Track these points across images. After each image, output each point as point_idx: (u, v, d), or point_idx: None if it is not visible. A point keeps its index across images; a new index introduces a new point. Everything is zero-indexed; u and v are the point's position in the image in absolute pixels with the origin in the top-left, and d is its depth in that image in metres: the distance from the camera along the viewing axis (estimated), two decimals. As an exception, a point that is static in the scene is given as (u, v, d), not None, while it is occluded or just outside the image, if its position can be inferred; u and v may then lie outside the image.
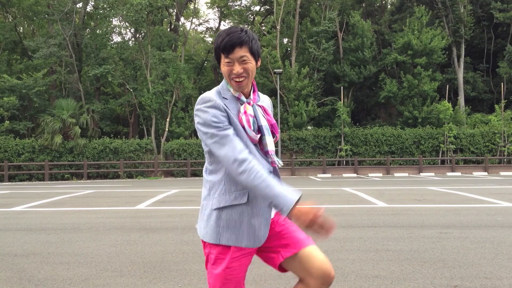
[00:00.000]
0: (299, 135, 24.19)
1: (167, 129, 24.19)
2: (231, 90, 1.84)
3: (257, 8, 34.69)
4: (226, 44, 1.76)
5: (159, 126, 24.96)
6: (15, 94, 22.93)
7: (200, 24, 41.05)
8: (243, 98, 1.83)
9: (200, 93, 35.63)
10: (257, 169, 1.68)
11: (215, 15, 45.93)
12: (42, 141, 21.86)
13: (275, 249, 1.88)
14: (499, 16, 28.85)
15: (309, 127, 25.98)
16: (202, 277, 3.94)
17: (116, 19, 27.91)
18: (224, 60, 1.79)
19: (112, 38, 30.31)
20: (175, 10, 29.57)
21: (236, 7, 34.36)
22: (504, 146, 24.05)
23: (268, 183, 1.67)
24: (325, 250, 4.89)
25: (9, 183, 20.40)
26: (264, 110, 1.88)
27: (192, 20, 31.76)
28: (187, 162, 22.38)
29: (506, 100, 25.95)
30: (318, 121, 27.33)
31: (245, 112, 1.79)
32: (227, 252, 1.79)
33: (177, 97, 24.92)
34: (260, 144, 1.82)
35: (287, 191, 1.67)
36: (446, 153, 24.17)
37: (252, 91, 1.88)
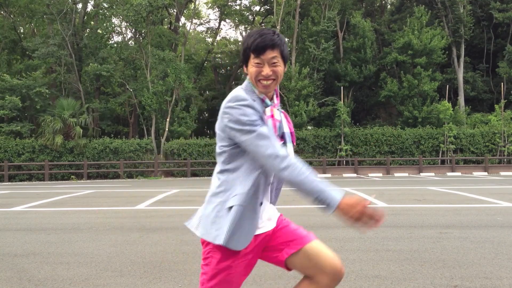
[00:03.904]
0: (299, 135, 24.17)
1: (167, 129, 24.18)
2: (256, 91, 1.81)
3: (257, 8, 34.71)
4: (258, 45, 1.74)
5: (159, 126, 24.96)
6: (15, 94, 22.93)
7: (200, 24, 41.05)
8: (267, 101, 1.81)
9: (201, 93, 35.78)
10: (299, 165, 1.68)
11: (215, 15, 45.93)
12: (43, 141, 21.85)
13: (278, 246, 1.86)
14: (498, 16, 28.87)
15: (309, 127, 25.97)
16: (202, 277, 3.94)
17: (116, 18, 27.93)
18: (253, 61, 1.77)
19: (113, 37, 30.36)
20: (175, 10, 29.58)
21: (236, 7, 34.38)
22: (504, 146, 24.04)
23: (313, 179, 1.66)
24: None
25: (9, 183, 20.40)
26: (286, 116, 1.86)
27: (192, 20, 31.77)
28: (187, 162, 22.37)
29: (506, 100, 25.94)
30: (318, 121, 27.33)
31: (272, 116, 1.77)
32: (228, 254, 1.76)
33: (177, 97, 24.92)
34: None
35: (331, 188, 1.67)
36: (446, 153, 24.17)
37: (274, 95, 1.86)
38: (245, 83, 1.85)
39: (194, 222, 1.87)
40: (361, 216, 1.65)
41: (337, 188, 1.69)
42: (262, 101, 1.81)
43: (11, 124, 22.75)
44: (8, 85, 23.15)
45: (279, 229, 1.88)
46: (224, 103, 1.77)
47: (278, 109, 1.83)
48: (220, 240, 1.73)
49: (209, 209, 1.80)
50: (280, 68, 1.78)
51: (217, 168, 1.86)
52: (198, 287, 1.84)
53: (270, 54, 1.75)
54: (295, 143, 1.85)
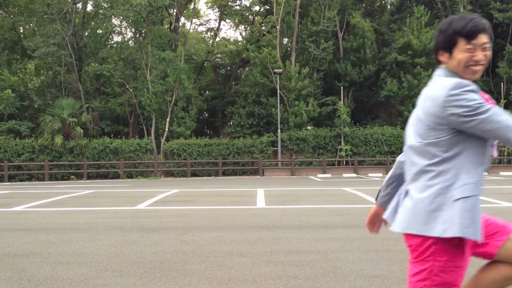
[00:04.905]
0: (299, 135, 24.19)
1: (167, 129, 24.18)
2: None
3: (257, 8, 34.70)
4: (472, 29, 1.71)
5: (159, 126, 24.97)
6: (15, 93, 22.93)
7: (200, 24, 40.99)
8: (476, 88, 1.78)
9: (201, 93, 35.75)
10: None
11: (215, 15, 45.93)
12: (43, 141, 21.85)
13: (484, 240, 1.90)
14: (498, 16, 28.86)
15: (309, 127, 25.98)
16: (202, 277, 3.94)
17: (116, 18, 27.91)
18: (464, 46, 1.73)
19: (113, 37, 30.34)
20: (175, 10, 29.57)
21: (236, 7, 34.38)
22: (504, 146, 24.03)
23: None
24: (325, 250, 4.90)
25: (9, 183, 20.40)
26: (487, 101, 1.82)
27: (192, 20, 31.75)
28: (187, 162, 22.37)
29: (506, 100, 25.94)
30: (318, 121, 27.34)
31: (488, 100, 1.74)
32: (454, 250, 1.70)
33: (177, 97, 24.93)
34: None
35: None
36: (446, 153, 24.16)
37: None
38: (444, 72, 1.82)
39: (399, 219, 1.81)
40: None
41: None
42: None
43: (9, 122, 22.72)
44: (7, 85, 23.14)
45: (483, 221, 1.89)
46: (444, 92, 1.71)
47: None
48: (456, 232, 1.65)
49: (425, 203, 1.72)
50: (490, 53, 1.77)
51: (426, 161, 1.77)
52: None
53: (482, 38, 1.73)
54: None
